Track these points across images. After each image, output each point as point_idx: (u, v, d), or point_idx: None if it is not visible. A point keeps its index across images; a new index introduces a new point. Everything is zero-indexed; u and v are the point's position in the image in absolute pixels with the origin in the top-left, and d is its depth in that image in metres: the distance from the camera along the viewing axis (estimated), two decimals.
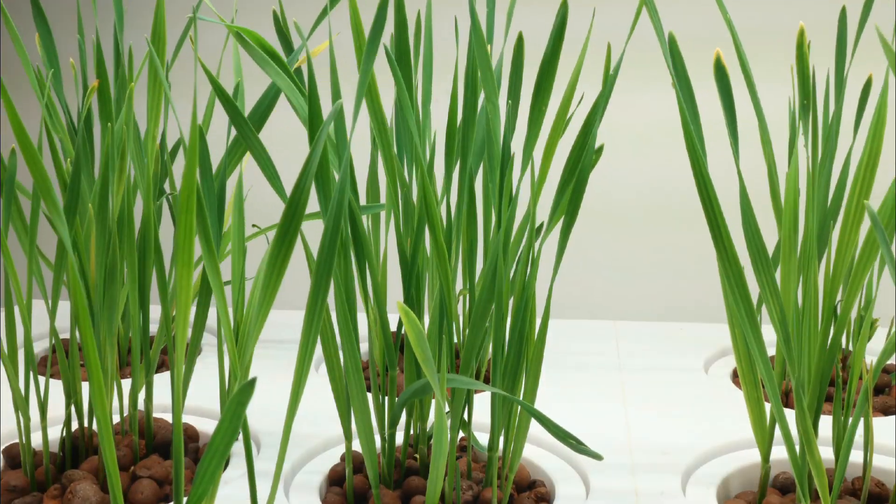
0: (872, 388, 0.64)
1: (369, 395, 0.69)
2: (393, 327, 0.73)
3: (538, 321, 0.66)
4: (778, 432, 0.71)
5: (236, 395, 0.47)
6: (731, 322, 0.67)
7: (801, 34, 0.60)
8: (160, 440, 0.80)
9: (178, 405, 0.56)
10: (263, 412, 0.82)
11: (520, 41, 0.66)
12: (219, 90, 0.60)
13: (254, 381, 0.47)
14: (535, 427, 0.82)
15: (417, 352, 0.56)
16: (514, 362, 0.66)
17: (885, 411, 0.90)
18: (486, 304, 0.64)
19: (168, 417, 0.85)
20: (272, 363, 0.92)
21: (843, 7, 0.66)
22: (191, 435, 0.83)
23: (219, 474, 0.51)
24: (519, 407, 0.67)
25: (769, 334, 0.94)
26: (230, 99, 0.60)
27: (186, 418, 0.87)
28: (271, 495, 0.58)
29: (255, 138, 0.61)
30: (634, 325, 1.17)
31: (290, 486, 0.75)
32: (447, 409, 0.66)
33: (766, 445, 0.70)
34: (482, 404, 0.85)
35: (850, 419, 0.65)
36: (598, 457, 0.62)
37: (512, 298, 0.66)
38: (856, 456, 0.77)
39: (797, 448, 0.65)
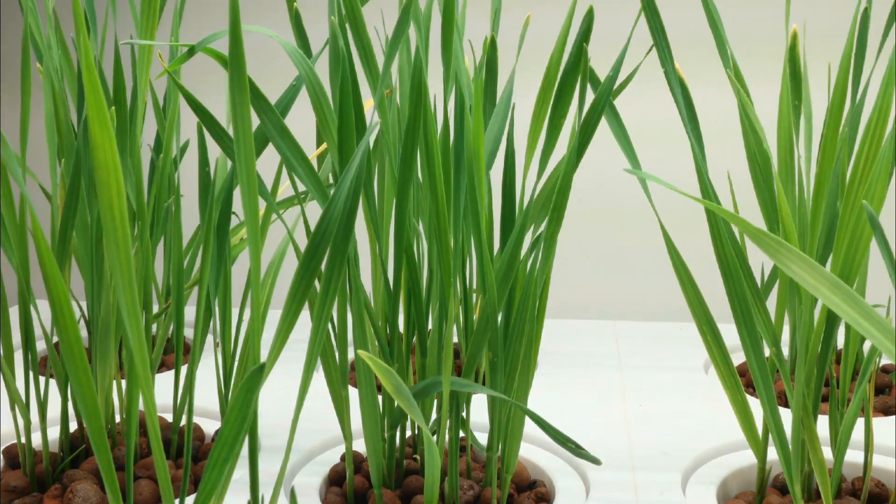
0: (866, 378, 0.64)
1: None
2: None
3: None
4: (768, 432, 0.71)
5: (245, 381, 0.47)
6: (702, 329, 0.67)
7: (794, 37, 0.60)
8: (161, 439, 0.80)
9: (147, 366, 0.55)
10: (261, 412, 0.82)
11: (492, 45, 0.66)
12: (190, 99, 0.60)
13: (262, 366, 0.46)
14: (535, 427, 0.82)
15: (400, 401, 0.56)
16: (512, 364, 0.66)
17: (886, 411, 0.90)
18: (493, 313, 0.64)
19: (169, 417, 0.85)
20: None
21: (867, 8, 0.67)
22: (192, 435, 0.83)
23: (229, 466, 0.50)
24: (512, 407, 0.67)
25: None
26: (201, 106, 0.60)
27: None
28: (274, 495, 0.58)
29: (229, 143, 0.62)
30: (634, 325, 1.17)
31: (289, 486, 0.75)
32: (439, 414, 0.66)
33: (759, 447, 0.70)
34: (482, 403, 0.85)
35: (848, 409, 0.65)
36: (596, 461, 0.62)
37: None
38: (856, 456, 0.77)
39: (790, 449, 0.65)
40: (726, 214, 0.51)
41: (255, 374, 0.47)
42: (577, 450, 0.62)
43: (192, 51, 0.63)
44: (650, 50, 0.66)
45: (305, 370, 0.57)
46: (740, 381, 0.69)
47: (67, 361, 0.49)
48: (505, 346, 0.65)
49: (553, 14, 1.10)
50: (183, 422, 0.84)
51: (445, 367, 0.62)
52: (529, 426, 0.81)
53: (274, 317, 0.88)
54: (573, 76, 0.63)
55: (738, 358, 1.05)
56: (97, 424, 0.50)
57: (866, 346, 1.03)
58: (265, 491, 0.68)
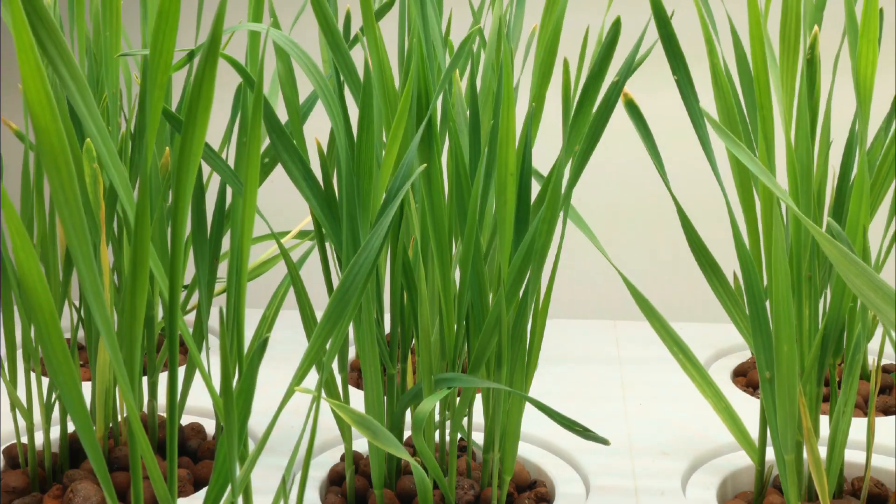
0: (857, 374, 0.65)
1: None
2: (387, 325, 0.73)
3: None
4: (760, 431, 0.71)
5: (251, 357, 0.47)
6: (673, 350, 0.68)
7: (815, 38, 0.60)
8: (162, 439, 0.80)
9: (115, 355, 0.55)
10: (264, 413, 0.82)
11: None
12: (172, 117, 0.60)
13: (266, 340, 0.47)
14: (535, 428, 0.82)
15: (366, 434, 0.57)
16: (511, 359, 0.66)
17: (886, 411, 0.90)
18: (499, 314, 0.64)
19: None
20: (266, 364, 0.92)
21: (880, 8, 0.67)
22: (190, 435, 0.83)
23: (235, 453, 0.50)
24: (508, 408, 0.67)
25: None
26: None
27: (189, 418, 0.87)
28: (277, 495, 0.58)
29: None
30: (634, 325, 1.17)
31: (289, 486, 0.75)
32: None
33: (754, 448, 0.70)
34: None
35: (843, 395, 0.65)
36: (605, 441, 0.62)
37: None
38: (856, 456, 0.77)
39: (787, 448, 0.65)
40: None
41: (260, 349, 0.47)
42: (584, 432, 0.63)
43: (192, 54, 0.63)
44: (649, 51, 0.66)
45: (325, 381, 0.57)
46: (719, 388, 0.70)
47: (50, 368, 0.48)
48: (511, 342, 0.65)
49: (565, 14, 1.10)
50: (185, 421, 0.84)
51: (423, 363, 0.62)
52: (529, 427, 0.81)
53: (283, 316, 0.87)
54: (597, 83, 0.63)
55: (735, 359, 1.05)
56: (87, 429, 0.50)
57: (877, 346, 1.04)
58: (268, 491, 0.68)
